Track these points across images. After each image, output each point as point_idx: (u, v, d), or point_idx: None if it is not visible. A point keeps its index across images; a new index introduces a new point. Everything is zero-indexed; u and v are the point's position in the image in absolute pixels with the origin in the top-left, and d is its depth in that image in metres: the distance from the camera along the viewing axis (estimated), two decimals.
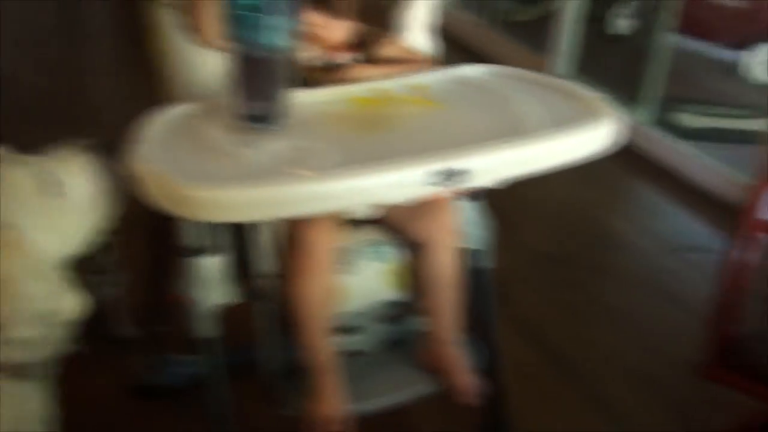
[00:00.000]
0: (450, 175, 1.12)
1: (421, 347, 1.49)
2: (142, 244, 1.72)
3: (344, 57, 1.42)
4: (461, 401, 1.44)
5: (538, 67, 3.68)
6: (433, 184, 1.12)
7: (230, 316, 1.43)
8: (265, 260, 1.41)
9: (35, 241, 1.14)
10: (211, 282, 1.41)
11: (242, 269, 1.43)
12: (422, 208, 1.40)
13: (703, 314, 1.62)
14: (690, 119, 3.49)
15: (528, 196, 2.83)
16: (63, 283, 1.16)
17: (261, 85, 1.26)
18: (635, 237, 2.74)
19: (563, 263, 2.57)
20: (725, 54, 4.01)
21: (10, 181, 1.16)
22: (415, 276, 1.47)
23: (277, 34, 1.19)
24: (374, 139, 1.27)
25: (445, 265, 1.44)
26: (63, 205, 1.20)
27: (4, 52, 3.95)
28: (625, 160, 3.16)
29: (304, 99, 1.33)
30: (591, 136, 1.23)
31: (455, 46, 4.17)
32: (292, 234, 1.36)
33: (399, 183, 1.10)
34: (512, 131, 1.22)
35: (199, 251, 1.40)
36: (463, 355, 1.46)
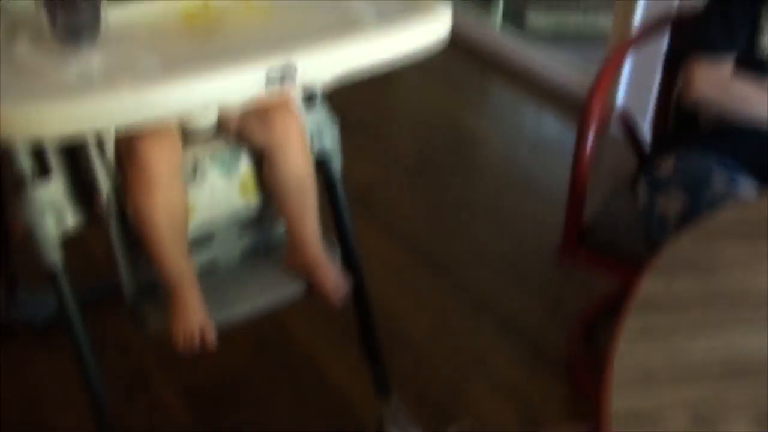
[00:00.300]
0: (278, 72, 1.08)
1: (285, 252, 1.47)
2: None
3: None
4: (330, 301, 1.44)
5: None
6: (268, 82, 1.07)
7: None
8: (106, 180, 1.33)
9: None
10: (50, 207, 1.32)
11: (83, 191, 1.35)
12: (263, 113, 1.35)
13: (562, 206, 1.66)
14: (538, 17, 3.53)
15: (388, 104, 2.82)
16: None
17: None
18: (495, 136, 2.78)
19: (427, 166, 2.59)
20: None
21: None
22: (266, 183, 1.43)
23: None
24: (197, 46, 1.20)
25: (294, 170, 1.40)
26: None
27: None
28: (480, 62, 3.18)
29: (122, 12, 1.24)
30: (421, 30, 1.21)
31: None
32: (127, 149, 1.28)
33: (230, 84, 1.05)
34: (341, 26, 1.18)
35: (35, 176, 1.30)
36: (326, 255, 1.45)
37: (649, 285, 0.95)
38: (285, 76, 1.09)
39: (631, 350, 0.85)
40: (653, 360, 0.84)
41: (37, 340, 1.89)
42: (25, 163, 1.29)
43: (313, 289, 1.45)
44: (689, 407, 0.78)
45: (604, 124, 1.62)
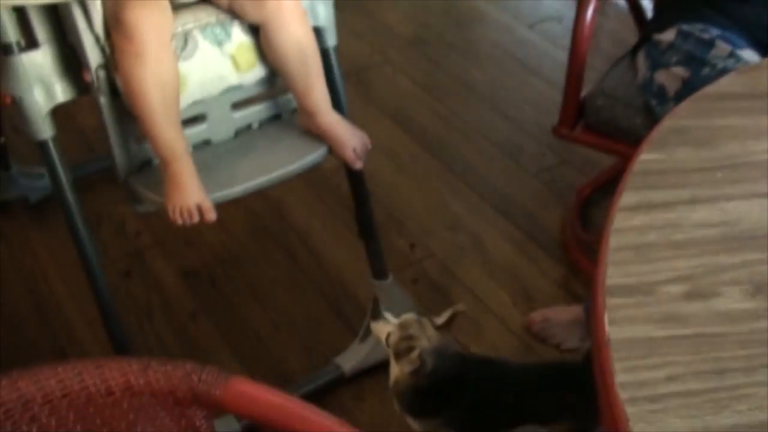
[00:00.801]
0: None
1: (299, 123, 1.45)
2: None
3: None
4: (351, 164, 1.43)
5: None
6: None
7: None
8: (95, 51, 1.29)
9: None
10: (38, 79, 1.28)
11: (72, 63, 1.31)
12: None
13: (560, 84, 1.62)
14: None
15: None
16: None
17: None
18: (492, 11, 2.71)
19: (424, 43, 2.53)
20: None
21: None
22: (267, 57, 1.39)
23: None
24: None
25: (293, 41, 1.35)
26: None
27: None
28: None
29: None
30: None
31: None
32: (115, 17, 1.24)
33: None
34: None
35: (20, 47, 1.27)
36: (340, 119, 1.43)
37: (645, 159, 0.94)
38: None
39: (627, 224, 0.84)
40: (649, 234, 0.83)
41: (31, 216, 1.89)
42: (10, 32, 1.25)
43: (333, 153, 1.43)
44: (684, 280, 0.78)
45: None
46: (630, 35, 1.78)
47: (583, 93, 1.62)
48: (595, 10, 1.57)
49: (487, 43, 2.55)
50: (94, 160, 1.91)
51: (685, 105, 1.04)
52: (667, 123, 1.00)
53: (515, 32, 2.58)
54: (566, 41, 1.63)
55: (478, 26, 2.64)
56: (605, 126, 1.60)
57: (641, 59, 1.57)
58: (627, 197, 0.88)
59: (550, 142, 2.01)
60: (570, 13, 2.60)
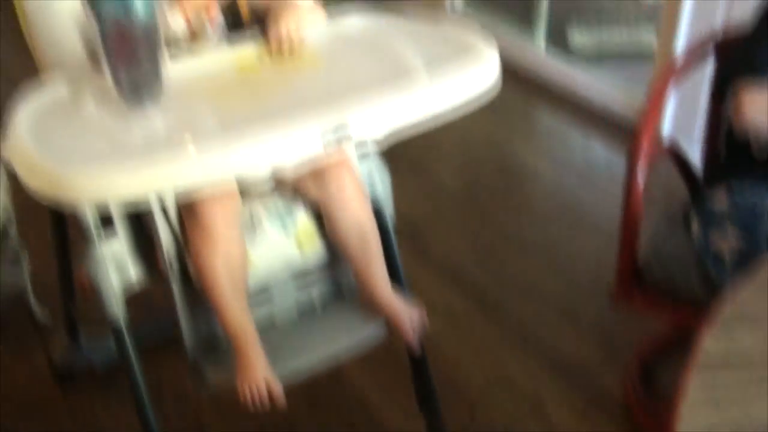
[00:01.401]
0: (338, 132, 1.10)
1: (359, 299, 1.49)
2: (48, 226, 1.67)
3: (215, 22, 1.38)
4: (408, 343, 1.46)
5: (432, 5, 3.67)
6: (323, 143, 1.09)
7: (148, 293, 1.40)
8: (168, 237, 1.36)
9: None
10: (116, 263, 1.36)
11: (147, 248, 1.39)
12: (319, 168, 1.36)
13: (615, 238, 1.64)
14: (581, 38, 3.51)
15: (432, 135, 2.80)
16: None
17: (130, 58, 1.20)
18: (542, 165, 2.77)
19: (474, 199, 2.59)
20: None
21: None
22: (327, 234, 1.45)
23: (135, 4, 1.13)
24: (255, 104, 1.23)
25: (353, 220, 1.42)
26: None
27: None
28: (524, 86, 3.18)
29: (180, 69, 1.28)
30: (474, 78, 1.21)
31: None
32: (188, 206, 1.31)
33: (286, 147, 1.07)
34: (393, 82, 1.19)
35: (100, 235, 1.35)
36: (399, 296, 1.46)
37: (709, 343, 0.94)
38: (340, 137, 1.10)
39: (694, 416, 0.84)
40: (716, 426, 0.83)
41: (98, 386, 1.92)
42: (91, 220, 1.34)
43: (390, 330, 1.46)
44: None
45: (653, 161, 1.61)
46: (680, 183, 1.79)
47: (638, 249, 1.63)
48: (646, 171, 1.60)
49: (538, 198, 2.60)
50: (160, 324, 1.96)
51: (744, 280, 1.05)
52: (728, 302, 1.00)
53: (566, 186, 2.63)
54: (617, 193, 1.65)
55: (529, 181, 2.69)
56: (663, 287, 1.60)
57: (694, 222, 1.58)
58: (692, 386, 0.88)
59: (606, 298, 2.01)
60: (620, 165, 2.66)
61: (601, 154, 2.81)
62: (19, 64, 3.02)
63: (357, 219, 1.42)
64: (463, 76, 1.20)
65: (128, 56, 1.18)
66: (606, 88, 3.00)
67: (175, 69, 1.25)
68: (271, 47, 1.35)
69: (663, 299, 1.59)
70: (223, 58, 1.33)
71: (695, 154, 1.87)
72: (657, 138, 1.66)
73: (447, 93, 1.18)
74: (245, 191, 1.41)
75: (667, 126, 2.63)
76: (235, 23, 1.41)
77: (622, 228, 1.63)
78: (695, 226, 1.57)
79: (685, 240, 1.60)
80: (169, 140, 1.07)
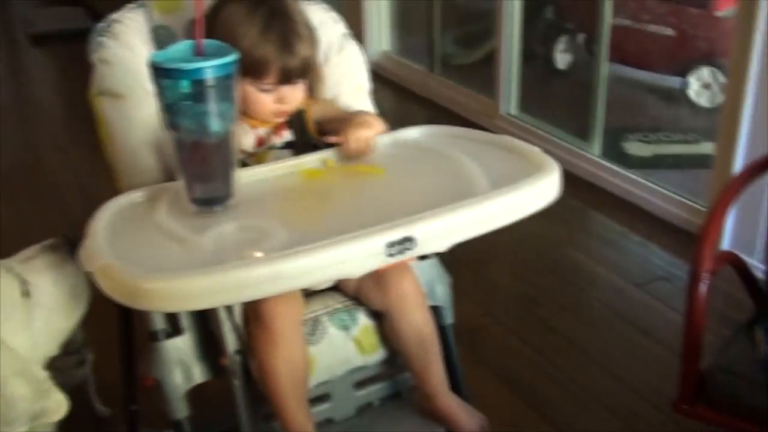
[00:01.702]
0: (403, 245, 1.13)
1: (416, 403, 1.49)
2: (115, 324, 1.71)
3: (283, 134, 1.44)
4: None
5: (487, 109, 3.75)
6: (387, 255, 1.12)
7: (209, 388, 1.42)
8: (233, 338, 1.39)
9: (14, 343, 1.11)
10: (179, 363, 1.39)
11: (210, 347, 1.42)
12: (379, 276, 1.39)
13: (675, 345, 1.62)
14: (639, 147, 3.55)
15: (493, 238, 2.83)
16: (47, 384, 1.14)
17: (204, 168, 1.26)
18: (600, 271, 2.76)
19: (533, 303, 2.58)
20: (668, 80, 4.10)
21: None
22: (387, 339, 1.47)
23: (212, 119, 1.19)
24: (322, 213, 1.27)
25: (414, 327, 1.45)
26: (35, 306, 1.19)
27: None
28: (583, 193, 3.20)
29: (249, 176, 1.34)
30: (537, 192, 1.24)
31: (405, 95, 4.23)
32: (253, 309, 1.35)
33: (351, 259, 1.10)
34: (460, 194, 1.23)
35: (165, 334, 1.39)
36: (459, 402, 1.46)
37: None
38: (404, 248, 1.13)
39: None
40: None
41: None
42: (158, 321, 1.38)
43: None
44: None
45: (715, 272, 1.60)
46: (743, 294, 1.78)
47: (702, 361, 1.61)
48: (708, 282, 1.59)
49: (596, 303, 2.58)
50: (218, 419, 1.97)
51: None
52: None
53: (625, 292, 2.61)
54: (678, 301, 1.65)
55: (587, 285, 2.68)
56: (728, 402, 1.56)
57: (759, 335, 1.56)
58: None
59: (667, 408, 1.97)
60: (680, 273, 2.65)
61: (659, 261, 2.79)
62: (95, 176, 3.17)
63: (417, 325, 1.43)
64: (527, 191, 1.23)
65: (202, 168, 1.24)
66: (664, 195, 3.01)
67: (244, 177, 1.31)
68: (340, 156, 1.40)
69: (727, 412, 1.56)
70: (291, 166, 1.39)
71: (757, 263, 1.86)
72: (718, 249, 1.66)
73: (511, 208, 1.21)
74: (309, 295, 1.45)
75: (727, 236, 2.62)
76: (301, 134, 1.48)
77: (684, 339, 1.61)
78: (760, 338, 1.55)
79: (750, 352, 1.58)
80: (239, 252, 1.11)
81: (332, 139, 1.40)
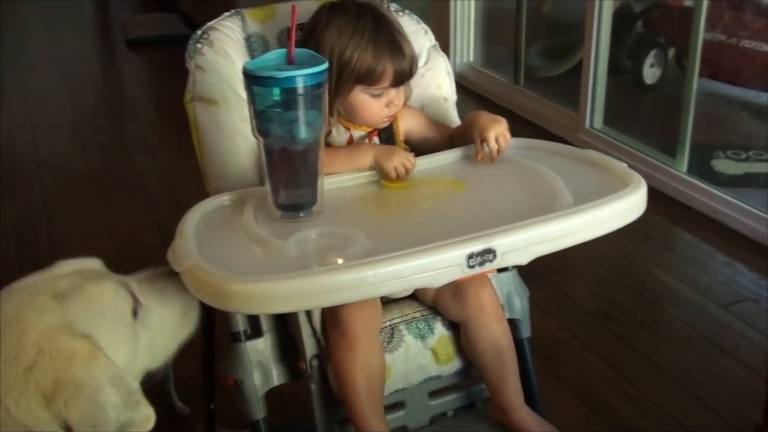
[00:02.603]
0: (484, 256, 1.13)
1: (490, 415, 1.50)
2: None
3: (372, 141, 1.46)
4: None
5: (571, 122, 3.72)
6: (468, 267, 1.13)
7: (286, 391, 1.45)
8: (312, 343, 1.42)
9: (114, 355, 1.15)
10: (258, 365, 1.43)
11: (289, 347, 1.45)
12: (457, 286, 1.40)
13: (760, 368, 1.58)
14: (727, 165, 3.46)
15: (572, 252, 2.80)
16: (138, 395, 1.18)
17: (290, 175, 1.29)
18: (683, 289, 2.70)
19: (612, 320, 2.54)
20: (759, 97, 3.98)
21: (93, 294, 1.19)
22: (465, 350, 1.47)
23: (300, 127, 1.22)
24: (404, 223, 1.29)
25: (491, 340, 1.45)
26: (142, 326, 1.23)
27: (38, 135, 4.09)
28: (667, 209, 3.14)
29: (333, 183, 1.36)
30: (621, 208, 1.23)
31: (488, 106, 4.22)
32: (332, 315, 1.37)
33: (432, 269, 1.12)
34: (542, 207, 1.22)
35: (246, 335, 1.42)
36: (535, 416, 1.46)
37: None
38: (485, 260, 1.14)
39: None
40: None
41: None
42: (240, 322, 1.41)
43: None
44: None
45: None
46: None
47: None
48: None
49: (678, 323, 2.53)
50: (293, 422, 2.01)
51: None
52: None
53: (708, 312, 2.55)
54: (764, 323, 1.60)
55: (669, 304, 2.63)
56: None
57: None
58: None
59: None
60: (767, 294, 2.57)
61: (745, 281, 2.71)
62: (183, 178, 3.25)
63: (494, 337, 1.44)
64: (612, 207, 1.22)
65: (288, 174, 1.27)
66: (752, 214, 2.93)
67: (328, 184, 1.33)
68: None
69: None
70: (375, 175, 1.41)
71: None
72: None
73: (595, 223, 1.20)
74: (387, 303, 1.47)
75: None
76: (387, 143, 1.50)
77: None
78: None
79: None
80: (322, 258, 1.14)
81: (479, 155, 1.44)
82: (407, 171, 1.39)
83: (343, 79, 1.41)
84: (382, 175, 1.40)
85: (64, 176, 3.66)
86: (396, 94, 1.46)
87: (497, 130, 1.41)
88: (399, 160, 1.38)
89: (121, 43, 5.70)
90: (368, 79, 1.42)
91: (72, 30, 6.13)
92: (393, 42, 1.43)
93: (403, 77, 1.45)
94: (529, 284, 1.61)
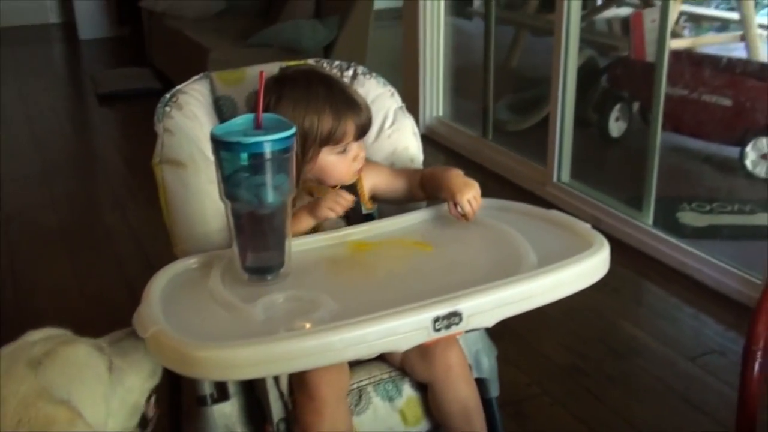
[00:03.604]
0: (450, 319, 1.14)
1: None
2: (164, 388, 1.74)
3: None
4: None
5: (539, 176, 3.76)
6: (434, 330, 1.13)
7: None
8: (278, 406, 1.41)
9: (90, 412, 1.14)
10: (225, 428, 1.42)
11: (256, 414, 1.44)
12: (424, 348, 1.41)
13: (728, 422, 1.59)
14: (692, 217, 3.52)
15: (543, 306, 2.81)
16: None
17: (258, 238, 1.30)
18: (652, 342, 2.72)
19: (582, 374, 2.55)
20: (721, 150, 4.07)
21: (68, 358, 1.18)
22: (432, 411, 1.47)
23: (268, 191, 1.23)
24: (371, 285, 1.29)
25: (458, 401, 1.45)
26: (116, 384, 1.22)
27: (5, 189, 4.06)
28: (635, 262, 3.17)
29: (300, 245, 1.37)
30: (584, 270, 1.25)
31: (458, 160, 4.27)
32: (297, 377, 1.37)
33: (398, 333, 1.12)
34: (508, 269, 1.24)
35: (212, 399, 1.41)
36: None
37: None
38: (451, 323, 1.14)
39: None
40: None
41: None
42: (207, 388, 1.40)
43: None
44: None
45: None
46: None
47: None
48: (763, 360, 1.57)
49: (647, 376, 2.54)
50: None
51: None
52: None
53: (677, 365, 2.56)
54: (731, 376, 1.62)
55: (638, 357, 2.64)
56: None
57: None
58: None
59: None
60: (734, 346, 2.60)
61: (712, 334, 2.74)
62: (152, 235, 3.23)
63: (462, 399, 1.44)
64: (575, 269, 1.24)
65: (256, 238, 1.28)
66: (718, 267, 2.97)
67: (295, 245, 1.34)
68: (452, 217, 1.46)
69: None
70: (340, 237, 1.42)
71: None
72: None
73: (559, 285, 1.22)
74: (354, 365, 1.46)
75: None
76: (354, 204, 1.51)
77: (737, 417, 1.58)
78: None
79: None
80: (288, 322, 1.14)
81: (452, 211, 1.46)
82: (343, 206, 1.42)
83: (308, 146, 1.43)
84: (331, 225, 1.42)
85: (32, 232, 3.63)
86: (359, 147, 1.51)
87: (470, 195, 1.44)
88: (328, 203, 1.42)
89: (92, 97, 5.71)
90: (332, 139, 1.45)
91: (43, 83, 6.12)
92: (348, 99, 1.48)
93: (365, 129, 1.50)
94: (499, 338, 1.61)
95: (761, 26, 4.94)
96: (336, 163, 1.48)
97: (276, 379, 1.39)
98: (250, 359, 1.08)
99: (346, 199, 1.42)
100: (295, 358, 1.09)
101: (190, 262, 1.37)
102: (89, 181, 4.39)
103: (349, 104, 1.47)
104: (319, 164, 1.46)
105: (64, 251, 3.43)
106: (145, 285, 1.28)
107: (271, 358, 1.08)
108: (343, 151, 1.48)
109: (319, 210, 1.42)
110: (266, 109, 1.44)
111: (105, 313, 2.78)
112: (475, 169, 4.19)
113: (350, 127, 1.46)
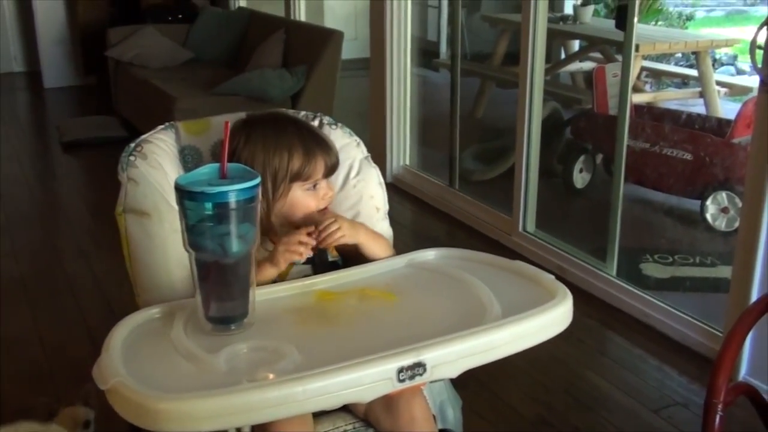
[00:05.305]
0: (414, 370, 1.14)
1: None
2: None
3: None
4: None
5: (505, 225, 3.79)
6: (398, 380, 1.13)
7: None
8: None
9: None
10: None
11: None
12: (388, 399, 1.40)
13: None
14: (655, 269, 3.56)
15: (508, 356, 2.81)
16: None
17: (222, 288, 1.29)
18: (616, 393, 2.73)
19: (547, 424, 2.54)
20: (682, 203, 4.15)
21: None
22: None
23: (232, 241, 1.23)
24: (335, 335, 1.29)
25: None
26: None
27: None
28: (599, 312, 3.19)
29: (264, 294, 1.36)
30: (547, 321, 1.26)
31: (424, 208, 4.29)
32: (260, 428, 1.35)
33: (362, 384, 1.12)
34: (472, 320, 1.24)
35: None
36: None
37: None
38: (415, 374, 1.14)
39: None
40: None
41: None
42: None
43: None
44: None
45: (731, 402, 1.59)
46: (760, 424, 1.75)
47: None
48: (724, 413, 1.58)
49: (611, 428, 2.54)
50: None
51: None
52: None
53: (640, 417, 2.57)
54: (695, 428, 1.63)
55: (602, 409, 2.64)
56: None
57: None
58: None
59: None
60: (697, 398, 2.61)
61: (675, 386, 2.75)
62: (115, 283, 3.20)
63: None
64: (538, 320, 1.25)
65: (220, 287, 1.27)
66: (680, 318, 3.00)
67: (259, 294, 1.33)
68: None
69: None
70: (305, 286, 1.42)
71: None
72: (735, 379, 1.65)
73: (522, 336, 1.23)
74: (318, 413, 1.44)
75: (745, 361, 2.60)
76: (319, 252, 1.51)
77: None
78: None
79: None
80: (251, 373, 1.13)
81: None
82: (308, 244, 1.45)
83: (278, 183, 1.46)
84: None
85: None
86: (328, 186, 1.55)
87: (339, 224, 1.50)
88: (292, 245, 1.44)
89: (57, 146, 5.67)
90: (303, 174, 1.49)
91: (6, 132, 6.08)
92: (317, 137, 1.53)
93: (333, 168, 1.55)
94: (464, 388, 1.61)
95: (719, 83, 5.09)
96: (305, 200, 1.52)
97: (238, 428, 1.37)
98: (211, 411, 1.07)
99: (302, 241, 1.43)
100: (257, 409, 1.08)
101: (153, 312, 1.36)
102: (52, 229, 4.34)
103: (318, 142, 1.53)
104: (289, 200, 1.48)
105: (24, 301, 3.37)
106: (107, 335, 1.26)
107: (232, 410, 1.07)
108: (313, 188, 1.51)
109: (286, 255, 1.44)
110: (234, 150, 1.45)
111: (66, 364, 2.73)
112: (441, 217, 4.22)
113: (320, 163, 1.51)
